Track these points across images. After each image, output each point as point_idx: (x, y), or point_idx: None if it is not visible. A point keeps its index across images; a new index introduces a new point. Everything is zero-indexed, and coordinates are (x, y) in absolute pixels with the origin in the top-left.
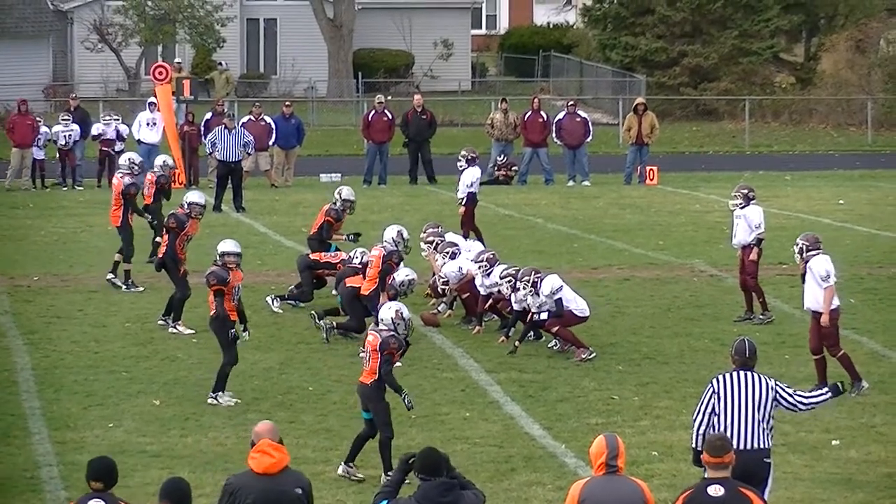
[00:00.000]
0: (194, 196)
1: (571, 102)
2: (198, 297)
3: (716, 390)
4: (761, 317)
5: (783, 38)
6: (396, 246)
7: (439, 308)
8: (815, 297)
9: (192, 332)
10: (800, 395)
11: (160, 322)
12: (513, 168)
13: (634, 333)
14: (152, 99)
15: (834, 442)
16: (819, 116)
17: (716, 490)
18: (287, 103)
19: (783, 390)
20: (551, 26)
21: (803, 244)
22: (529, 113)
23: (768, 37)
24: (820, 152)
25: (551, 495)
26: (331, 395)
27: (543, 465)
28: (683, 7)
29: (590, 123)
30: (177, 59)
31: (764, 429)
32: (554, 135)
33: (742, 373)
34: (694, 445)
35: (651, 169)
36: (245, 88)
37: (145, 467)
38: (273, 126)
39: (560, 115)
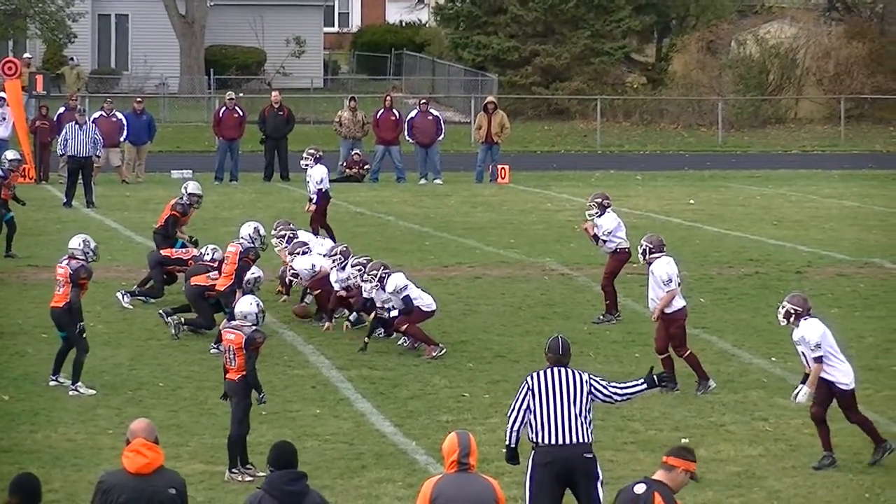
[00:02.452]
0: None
1: (424, 101)
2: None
3: (530, 387)
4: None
5: (635, 39)
6: (253, 242)
7: (307, 300)
8: (657, 298)
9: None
10: (614, 387)
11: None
12: (364, 166)
13: (485, 331)
14: (1, 94)
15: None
16: (670, 117)
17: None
18: (139, 99)
19: (598, 383)
20: (404, 24)
21: (647, 245)
22: (381, 111)
23: (620, 37)
24: (671, 152)
25: (402, 492)
26: (181, 391)
27: (394, 463)
28: (536, 7)
29: (442, 122)
30: (26, 55)
31: (582, 423)
32: (406, 133)
33: (556, 369)
34: (508, 443)
35: (502, 167)
36: (96, 84)
37: None
38: (124, 122)
39: (412, 114)
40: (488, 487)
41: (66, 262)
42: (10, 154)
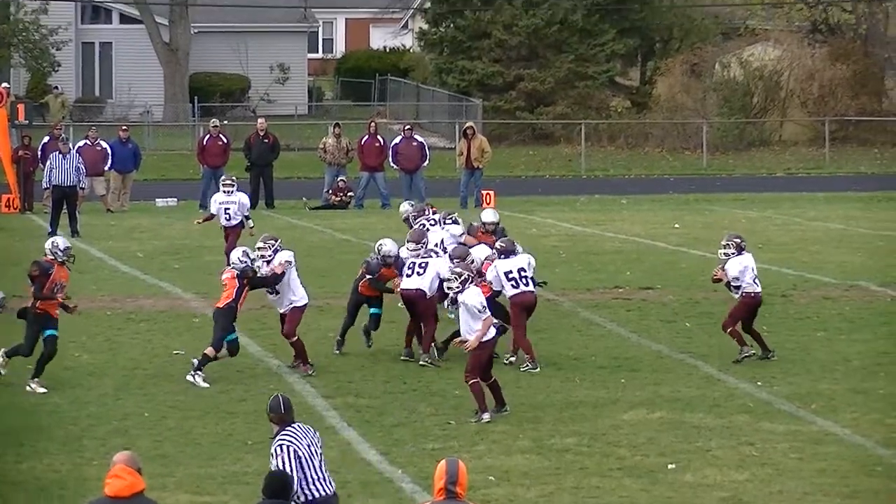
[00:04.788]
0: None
1: (408, 126)
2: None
3: (293, 444)
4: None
5: (619, 63)
6: (244, 264)
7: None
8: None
9: None
10: None
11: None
12: (349, 192)
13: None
14: None
15: (670, 466)
16: (655, 140)
17: None
18: (124, 128)
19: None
20: (388, 50)
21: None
22: (366, 137)
23: (604, 61)
24: (655, 176)
25: None
26: (166, 421)
27: (380, 491)
28: (520, 31)
29: (426, 148)
30: (4, 84)
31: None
32: (391, 159)
33: (296, 425)
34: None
35: (487, 193)
36: (81, 113)
37: None
38: (109, 150)
39: (397, 140)
40: None
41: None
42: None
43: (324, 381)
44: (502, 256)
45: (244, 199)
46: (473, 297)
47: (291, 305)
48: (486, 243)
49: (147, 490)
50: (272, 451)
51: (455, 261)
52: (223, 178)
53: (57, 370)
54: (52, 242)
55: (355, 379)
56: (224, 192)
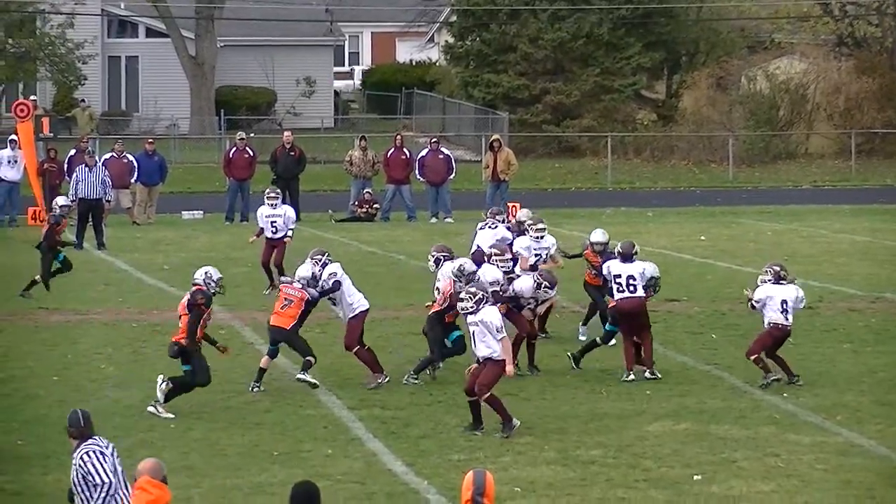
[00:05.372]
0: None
1: (434, 139)
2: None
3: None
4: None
5: (645, 76)
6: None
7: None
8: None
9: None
10: None
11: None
12: (375, 205)
13: None
14: (13, 136)
15: (695, 477)
16: (681, 153)
17: None
18: (150, 140)
19: None
20: (414, 63)
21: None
22: (392, 150)
23: (630, 74)
24: (681, 189)
25: None
26: (192, 433)
27: (406, 502)
28: (545, 45)
29: (453, 160)
30: (32, 97)
31: None
32: (417, 172)
33: (96, 437)
34: None
35: (513, 205)
36: (107, 126)
37: None
38: (135, 163)
39: (423, 152)
40: None
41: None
42: (62, 200)
43: (349, 393)
44: (620, 260)
45: (290, 211)
46: (493, 315)
47: (354, 313)
48: (593, 264)
49: (173, 501)
50: (77, 463)
51: (465, 277)
52: (268, 190)
53: (83, 381)
54: (206, 273)
55: (381, 390)
56: (269, 204)
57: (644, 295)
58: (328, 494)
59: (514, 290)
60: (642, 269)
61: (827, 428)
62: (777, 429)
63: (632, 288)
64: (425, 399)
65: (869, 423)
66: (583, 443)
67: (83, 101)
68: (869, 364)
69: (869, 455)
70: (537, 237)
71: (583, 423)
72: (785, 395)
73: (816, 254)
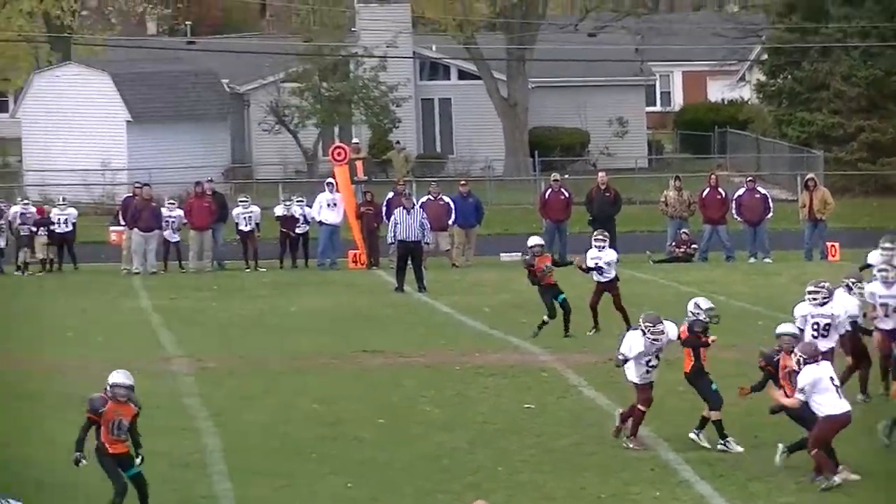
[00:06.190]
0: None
1: (750, 178)
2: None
3: None
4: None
5: None
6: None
7: None
8: None
9: None
10: None
11: None
12: (692, 245)
13: None
14: (330, 179)
15: None
16: None
17: None
18: (463, 182)
19: None
20: (726, 102)
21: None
22: (707, 190)
23: None
24: None
25: None
26: (519, 476)
27: None
28: (859, 82)
29: (770, 200)
30: (354, 140)
31: None
32: (734, 211)
33: None
34: None
35: (832, 245)
36: (422, 168)
37: None
38: (452, 205)
39: (740, 192)
40: None
41: None
42: (535, 240)
43: (674, 436)
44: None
45: (612, 254)
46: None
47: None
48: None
49: None
50: None
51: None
52: (595, 233)
53: (409, 425)
54: (695, 303)
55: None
56: (596, 247)
57: None
58: None
59: None
60: None
61: None
62: None
63: None
64: (751, 440)
65: None
66: None
67: (398, 143)
68: None
69: None
70: None
71: None
72: None
73: None
